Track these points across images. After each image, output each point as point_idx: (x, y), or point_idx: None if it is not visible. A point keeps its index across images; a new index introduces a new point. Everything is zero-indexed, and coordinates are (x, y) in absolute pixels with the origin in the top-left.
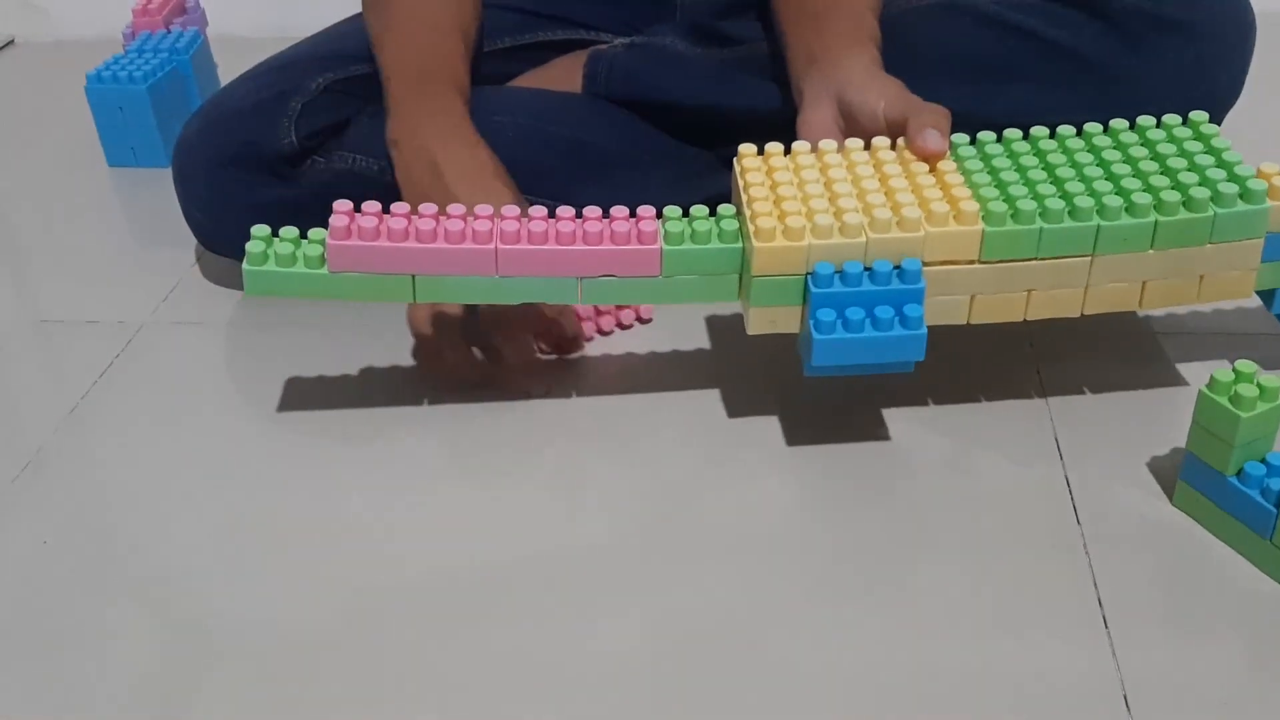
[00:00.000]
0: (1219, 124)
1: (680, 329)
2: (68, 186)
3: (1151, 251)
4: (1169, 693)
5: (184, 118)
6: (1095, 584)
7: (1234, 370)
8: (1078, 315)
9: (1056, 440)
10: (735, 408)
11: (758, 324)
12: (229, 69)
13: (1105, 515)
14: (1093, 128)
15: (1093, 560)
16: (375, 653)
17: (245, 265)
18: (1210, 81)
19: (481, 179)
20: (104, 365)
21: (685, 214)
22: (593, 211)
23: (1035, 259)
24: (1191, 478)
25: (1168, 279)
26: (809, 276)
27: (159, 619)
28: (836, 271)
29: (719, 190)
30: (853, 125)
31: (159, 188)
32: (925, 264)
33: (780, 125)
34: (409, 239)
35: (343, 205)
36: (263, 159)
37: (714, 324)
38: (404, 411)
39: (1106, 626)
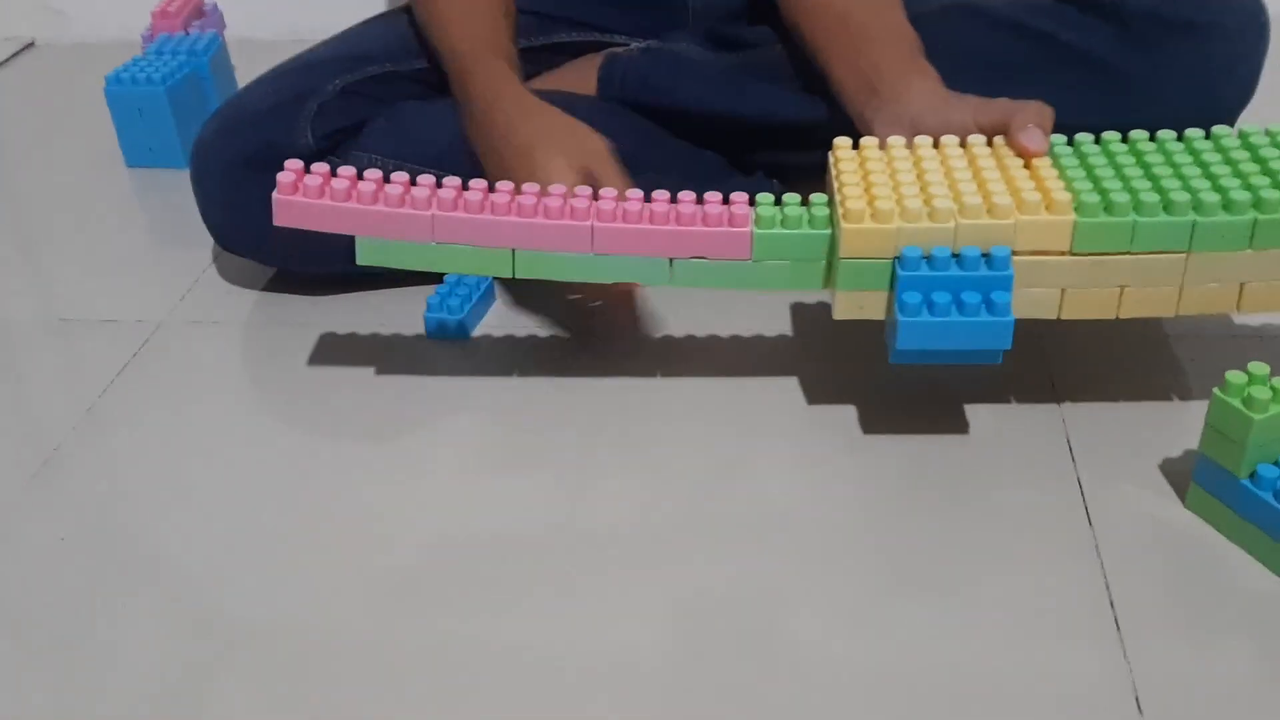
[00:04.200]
0: (1232, 125)
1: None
2: (86, 187)
3: (1249, 251)
4: (1181, 695)
5: (202, 119)
6: (1107, 585)
7: (1247, 372)
8: (1172, 315)
9: (1069, 441)
10: (757, 403)
11: (845, 309)
12: (246, 71)
13: (1117, 517)
14: (1194, 133)
15: (1105, 562)
16: (392, 650)
17: (358, 235)
18: (1224, 84)
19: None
20: (121, 364)
21: (778, 202)
22: (687, 195)
23: (1128, 253)
24: (1204, 480)
25: (1267, 281)
26: (896, 261)
27: (175, 616)
28: (924, 256)
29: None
30: None
31: (177, 188)
32: (1015, 253)
33: (793, 128)
34: (510, 213)
35: (452, 180)
36: (280, 160)
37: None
38: (419, 409)
39: (1118, 628)
